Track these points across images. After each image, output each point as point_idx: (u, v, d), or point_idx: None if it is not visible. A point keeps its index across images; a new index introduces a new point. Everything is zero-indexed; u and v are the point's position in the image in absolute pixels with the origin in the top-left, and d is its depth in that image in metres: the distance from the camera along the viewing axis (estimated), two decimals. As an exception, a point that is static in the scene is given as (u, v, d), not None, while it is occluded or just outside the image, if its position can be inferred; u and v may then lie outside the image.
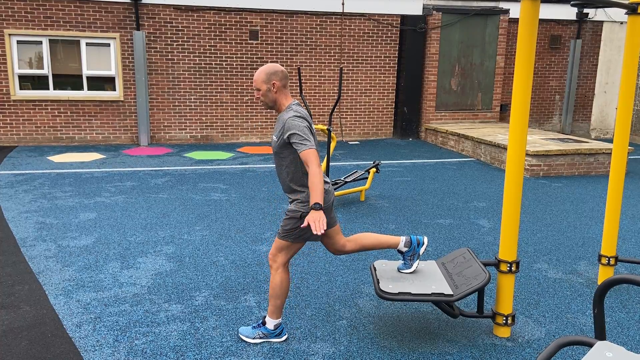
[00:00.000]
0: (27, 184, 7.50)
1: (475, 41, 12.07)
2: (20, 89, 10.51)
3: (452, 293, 3.29)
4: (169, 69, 10.98)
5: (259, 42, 11.31)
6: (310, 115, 6.46)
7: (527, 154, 8.59)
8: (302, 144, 3.00)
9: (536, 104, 13.35)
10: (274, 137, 3.25)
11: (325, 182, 3.29)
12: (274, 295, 3.33)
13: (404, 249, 3.54)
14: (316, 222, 2.77)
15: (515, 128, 3.31)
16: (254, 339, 3.44)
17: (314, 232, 2.73)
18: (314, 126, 3.27)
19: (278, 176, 3.36)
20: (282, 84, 3.20)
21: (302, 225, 2.76)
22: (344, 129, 12.22)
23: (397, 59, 12.17)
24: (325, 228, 2.74)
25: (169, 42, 10.88)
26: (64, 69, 10.65)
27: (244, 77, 11.41)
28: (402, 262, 3.62)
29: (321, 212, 2.79)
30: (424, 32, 11.97)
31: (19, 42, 10.34)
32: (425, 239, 3.57)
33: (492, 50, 12.21)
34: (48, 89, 10.63)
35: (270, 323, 3.42)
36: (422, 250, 3.54)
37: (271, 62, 11.44)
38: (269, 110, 11.66)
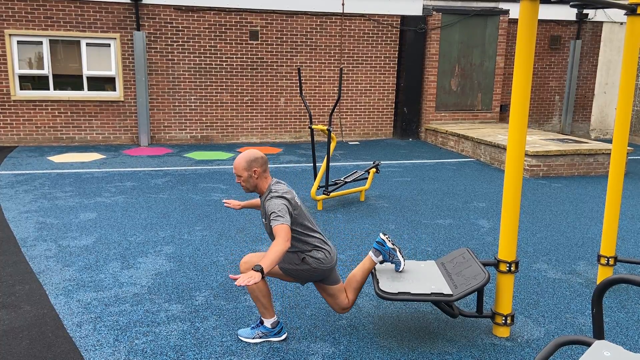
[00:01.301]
0: (28, 184, 7.51)
1: (475, 42, 12.08)
2: (21, 89, 10.52)
3: (451, 293, 3.30)
4: (169, 69, 10.99)
5: (259, 42, 11.33)
6: (310, 116, 6.47)
7: (526, 155, 8.60)
8: (275, 220, 3.10)
9: (536, 105, 13.36)
10: (264, 221, 3.38)
11: (320, 250, 3.37)
12: (255, 298, 3.37)
13: (380, 259, 3.58)
14: (246, 277, 2.78)
15: (514, 128, 3.32)
16: (253, 338, 3.45)
17: (236, 283, 2.76)
18: (296, 198, 3.36)
19: None
20: (262, 169, 3.32)
21: (231, 276, 2.79)
22: (344, 129, 12.23)
23: (397, 59, 12.18)
24: (248, 284, 2.76)
25: (169, 43, 10.90)
26: (64, 69, 10.66)
27: (244, 78, 11.42)
28: (393, 265, 3.66)
29: (259, 275, 2.82)
30: (424, 33, 11.98)
31: (19, 42, 10.35)
32: (381, 235, 3.58)
33: (492, 50, 12.22)
34: (48, 89, 10.64)
35: (267, 322, 3.44)
36: (389, 244, 3.56)
37: (271, 63, 11.45)
38: (269, 111, 11.69)
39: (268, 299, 3.37)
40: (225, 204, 3.73)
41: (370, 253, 3.58)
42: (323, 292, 3.54)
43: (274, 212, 3.15)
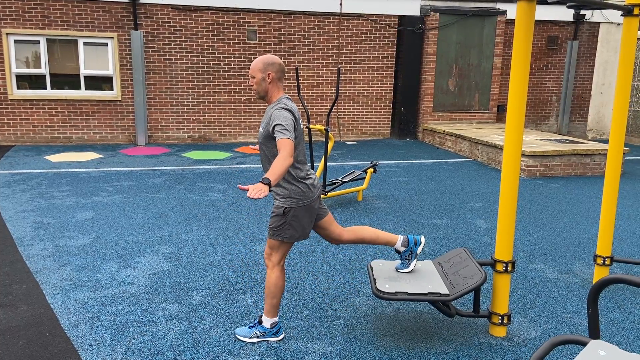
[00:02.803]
0: (25, 184, 7.49)
1: (472, 42, 12.10)
2: (18, 88, 10.50)
3: (448, 293, 3.31)
4: (166, 68, 10.98)
5: (257, 42, 11.32)
6: (308, 115, 6.48)
7: (523, 155, 8.62)
8: (280, 132, 3.00)
9: (533, 105, 13.39)
10: (261, 129, 3.26)
11: (309, 177, 3.28)
12: (270, 294, 3.35)
13: (402, 249, 3.56)
14: (256, 189, 2.70)
15: (511, 129, 3.33)
16: (250, 338, 3.45)
17: (248, 195, 2.68)
18: (301, 124, 3.26)
19: (263, 169, 3.37)
20: (277, 76, 3.22)
21: (240, 186, 2.74)
22: (341, 129, 12.23)
23: (394, 59, 12.19)
24: (260, 197, 2.68)
25: (167, 42, 10.88)
26: (61, 69, 10.64)
27: (242, 77, 11.42)
28: (400, 261, 3.64)
29: (266, 187, 2.73)
30: (422, 33, 12.00)
31: (16, 41, 10.33)
32: (423, 239, 3.59)
33: (490, 51, 12.24)
34: (45, 88, 10.62)
35: (267, 322, 3.43)
36: (419, 249, 3.56)
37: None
38: (266, 110, 11.67)
39: (279, 298, 3.38)
40: (240, 187, 3.66)
41: (401, 237, 3.55)
42: (315, 228, 3.49)
43: (279, 124, 3.03)
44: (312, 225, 3.38)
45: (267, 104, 3.44)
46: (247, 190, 2.70)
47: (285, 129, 3.01)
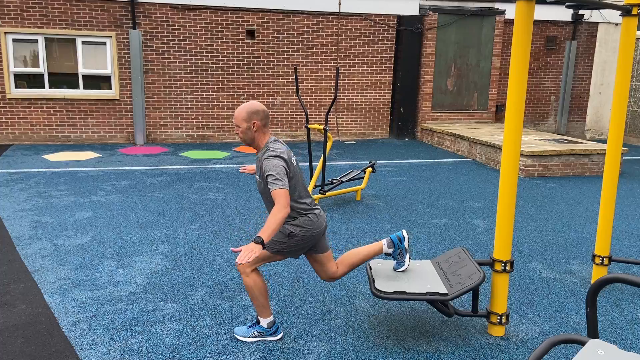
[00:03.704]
0: (23, 183, 7.48)
1: (471, 42, 12.11)
2: (16, 87, 10.48)
3: (446, 292, 3.31)
4: (165, 67, 10.97)
5: (256, 41, 11.32)
6: (307, 115, 6.47)
7: (522, 155, 8.63)
8: (274, 183, 3.05)
9: (532, 105, 13.40)
10: (257, 178, 3.31)
11: (316, 208, 3.35)
12: (253, 297, 3.34)
13: (390, 251, 3.56)
14: (247, 252, 2.77)
15: (510, 128, 3.33)
16: (249, 337, 3.45)
17: (237, 260, 2.74)
18: (294, 162, 3.30)
19: (266, 209, 3.39)
20: (262, 123, 3.26)
21: (232, 249, 2.78)
22: (340, 128, 12.23)
23: (393, 59, 12.19)
24: (249, 260, 2.74)
25: (165, 41, 10.87)
26: (59, 68, 10.63)
27: (241, 77, 11.41)
28: (395, 262, 3.65)
29: (258, 246, 2.80)
30: (420, 33, 12.00)
31: (14, 40, 10.31)
32: (405, 232, 3.57)
33: (488, 50, 12.24)
34: (44, 87, 10.61)
35: (264, 322, 3.43)
36: (406, 244, 3.56)
37: (267, 62, 11.45)
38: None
39: (265, 297, 3.36)
40: (241, 170, 3.70)
41: (384, 241, 3.55)
42: (311, 260, 3.50)
43: (271, 174, 3.07)
44: (305, 250, 3.42)
45: (255, 150, 3.48)
46: (239, 252, 2.75)
47: (277, 179, 3.05)
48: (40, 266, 4.59)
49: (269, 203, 3.32)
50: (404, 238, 3.55)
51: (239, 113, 3.24)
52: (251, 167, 3.71)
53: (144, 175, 8.16)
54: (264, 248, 2.83)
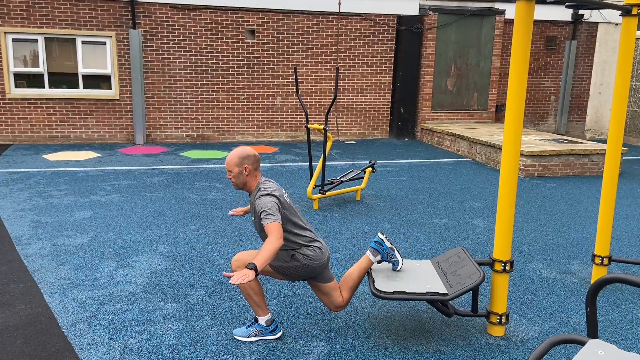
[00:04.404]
0: (22, 183, 7.48)
1: (471, 42, 12.11)
2: (16, 87, 10.48)
3: (446, 292, 3.31)
4: (165, 67, 10.97)
5: (256, 41, 11.31)
6: (307, 115, 6.47)
7: (522, 154, 8.63)
8: (266, 218, 3.12)
9: (531, 105, 13.40)
10: (253, 219, 3.38)
11: (317, 241, 3.40)
12: (247, 296, 3.38)
13: (378, 258, 3.59)
14: (240, 275, 2.81)
15: (510, 128, 3.33)
16: (248, 337, 3.45)
17: (231, 282, 2.78)
18: (286, 198, 3.36)
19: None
20: (254, 167, 3.34)
21: (225, 274, 2.81)
22: (340, 128, 12.23)
23: (393, 59, 12.19)
24: (242, 282, 2.78)
25: (165, 41, 10.87)
26: (59, 67, 10.62)
27: (241, 77, 11.41)
28: (390, 264, 3.66)
29: (252, 272, 2.85)
30: (420, 32, 12.00)
31: (14, 40, 10.30)
32: (380, 235, 3.60)
33: (488, 50, 12.24)
34: (43, 87, 10.60)
35: (262, 320, 3.44)
36: (388, 244, 3.58)
37: (267, 62, 11.45)
38: (265, 110, 11.68)
39: (260, 297, 3.38)
40: (230, 213, 3.75)
41: (368, 252, 3.59)
42: (317, 290, 3.54)
43: (264, 210, 3.15)
44: (304, 278, 3.46)
45: (248, 192, 3.55)
46: (232, 276, 2.79)
47: (270, 214, 3.12)
48: (40, 266, 4.59)
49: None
50: (382, 240, 3.58)
51: (230, 159, 3.31)
52: (239, 210, 3.76)
53: (143, 175, 8.16)
54: (256, 275, 2.88)
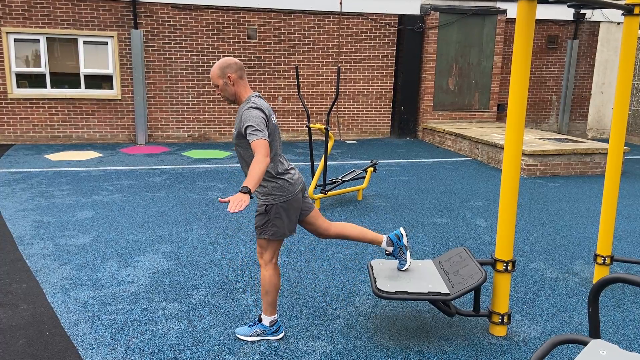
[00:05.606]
0: (24, 183, 7.49)
1: (472, 41, 12.09)
2: (18, 87, 10.50)
3: (448, 292, 3.31)
4: (166, 67, 10.98)
5: (257, 40, 11.32)
6: (308, 114, 6.47)
7: (523, 154, 8.62)
8: (253, 134, 2.98)
9: (533, 104, 13.39)
10: (234, 130, 3.24)
11: (288, 172, 3.27)
12: (265, 291, 3.36)
13: (390, 249, 3.57)
14: (236, 202, 2.71)
15: (512, 128, 3.33)
16: (250, 337, 3.45)
17: (228, 209, 2.68)
18: (273, 119, 3.25)
19: (242, 170, 3.35)
20: (238, 75, 3.21)
21: (220, 200, 2.74)
22: (341, 128, 12.23)
23: (394, 58, 12.18)
24: (241, 209, 2.69)
25: (167, 41, 10.88)
26: (61, 67, 10.64)
27: (242, 76, 11.40)
28: (397, 261, 3.66)
29: (246, 195, 2.73)
30: (422, 32, 11.99)
31: (16, 40, 10.32)
32: (402, 230, 3.57)
33: (490, 50, 12.23)
34: (45, 87, 10.62)
35: (266, 320, 3.44)
36: (405, 241, 3.57)
37: (269, 62, 11.45)
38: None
39: (275, 295, 3.38)
40: (220, 200, 3.70)
41: (385, 238, 3.55)
42: (302, 224, 3.49)
43: (251, 125, 3.01)
44: (297, 220, 3.37)
45: (237, 105, 3.41)
46: (228, 202, 2.68)
47: (257, 129, 2.99)
48: (42, 266, 4.60)
49: (244, 158, 3.26)
50: (402, 235, 3.56)
51: (213, 72, 3.21)
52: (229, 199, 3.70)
53: (145, 174, 8.17)
54: (250, 197, 2.77)
